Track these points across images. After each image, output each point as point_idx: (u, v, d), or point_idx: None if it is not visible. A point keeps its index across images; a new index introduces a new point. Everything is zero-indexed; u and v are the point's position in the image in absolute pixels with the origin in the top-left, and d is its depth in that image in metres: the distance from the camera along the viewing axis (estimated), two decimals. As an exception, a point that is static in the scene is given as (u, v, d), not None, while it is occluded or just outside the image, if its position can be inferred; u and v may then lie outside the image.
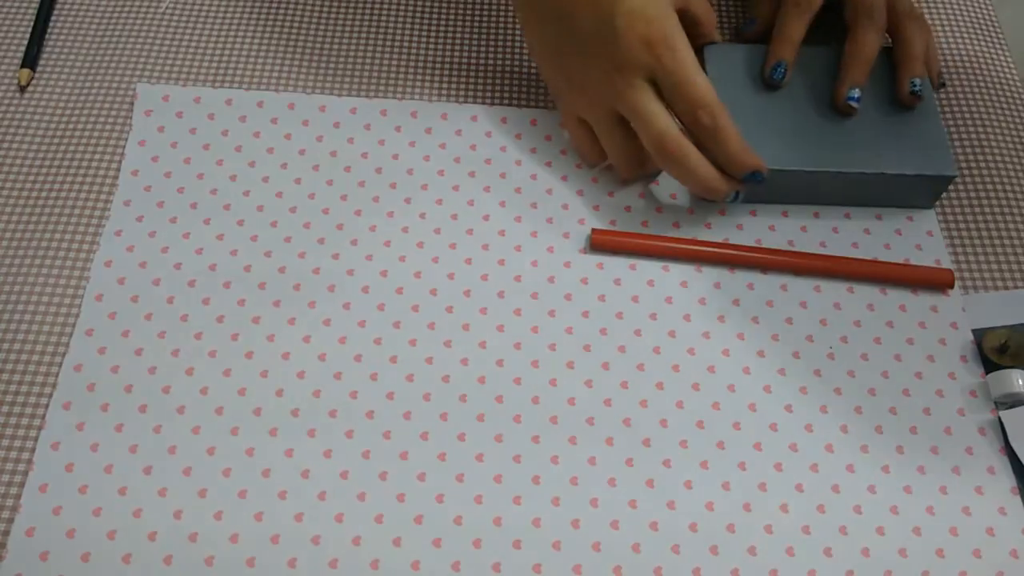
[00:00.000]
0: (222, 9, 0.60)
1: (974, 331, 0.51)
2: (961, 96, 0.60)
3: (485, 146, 0.55)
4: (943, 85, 0.57)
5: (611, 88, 0.50)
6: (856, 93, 0.52)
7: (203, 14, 0.59)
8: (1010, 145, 0.58)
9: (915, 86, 0.53)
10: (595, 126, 0.52)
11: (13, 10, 0.58)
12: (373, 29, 0.60)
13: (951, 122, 0.58)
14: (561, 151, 0.55)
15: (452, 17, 0.61)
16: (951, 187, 0.56)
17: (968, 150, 0.57)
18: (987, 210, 0.55)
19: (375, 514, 0.44)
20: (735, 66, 0.54)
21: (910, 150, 0.52)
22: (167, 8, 0.59)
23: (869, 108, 0.53)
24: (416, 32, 0.60)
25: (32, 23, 0.57)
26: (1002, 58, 0.62)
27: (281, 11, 0.60)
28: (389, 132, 0.55)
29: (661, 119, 0.49)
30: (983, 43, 0.62)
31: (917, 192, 0.53)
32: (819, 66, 0.54)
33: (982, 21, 0.64)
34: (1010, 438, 0.47)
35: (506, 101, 0.57)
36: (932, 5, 0.64)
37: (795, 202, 0.54)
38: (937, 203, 0.55)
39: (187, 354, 0.47)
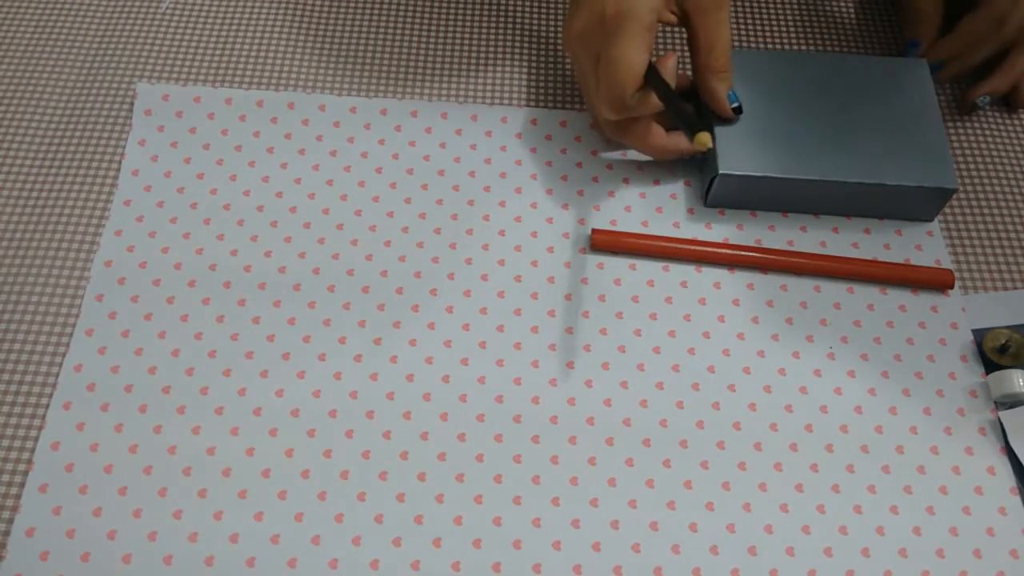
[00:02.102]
0: (222, 9, 0.60)
1: (974, 331, 0.51)
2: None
3: (485, 146, 0.55)
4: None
5: None
6: (987, 100, 0.57)
7: (203, 14, 0.59)
8: (1010, 146, 0.58)
9: (982, 101, 0.56)
10: None
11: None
12: (373, 28, 0.60)
13: (950, 123, 0.59)
14: (561, 150, 0.55)
15: (452, 17, 0.61)
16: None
17: (968, 151, 0.57)
18: (987, 211, 0.55)
19: (375, 514, 0.44)
20: (753, 73, 0.54)
21: (912, 162, 0.52)
22: (167, 8, 0.59)
23: (874, 120, 0.53)
24: (416, 31, 0.60)
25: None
26: (1002, 58, 0.62)
27: (280, 11, 0.60)
28: (389, 131, 0.55)
29: None
30: (983, 43, 0.62)
31: (918, 204, 0.53)
32: (830, 77, 0.54)
33: (982, 21, 0.64)
34: (1010, 438, 0.47)
35: (506, 101, 0.57)
36: (932, 5, 0.64)
37: (797, 211, 0.54)
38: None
39: (187, 354, 0.47)
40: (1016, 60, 0.57)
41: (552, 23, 0.61)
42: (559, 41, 0.60)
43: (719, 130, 0.52)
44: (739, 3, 0.63)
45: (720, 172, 0.51)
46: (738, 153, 0.51)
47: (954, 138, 0.58)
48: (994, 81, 0.57)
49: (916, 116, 0.53)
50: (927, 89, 0.54)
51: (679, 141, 0.53)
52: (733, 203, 0.53)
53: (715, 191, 0.52)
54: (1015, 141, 0.58)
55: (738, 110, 0.52)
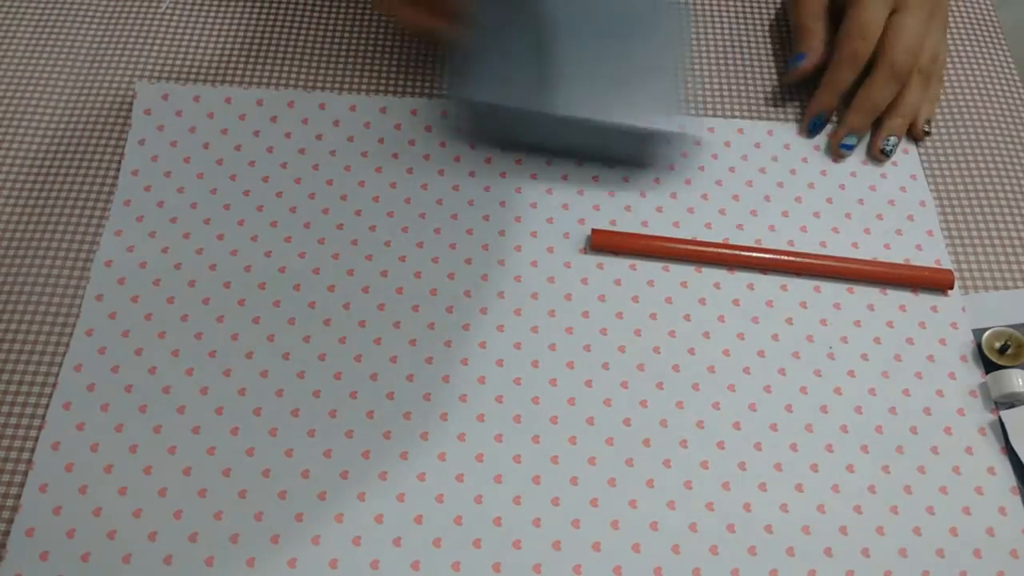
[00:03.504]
0: (221, 8, 0.60)
1: (974, 331, 0.51)
2: (961, 96, 0.60)
3: (485, 145, 0.55)
4: (927, 133, 0.57)
5: None
6: (852, 141, 0.54)
7: (202, 13, 0.59)
8: (1010, 145, 0.58)
9: (887, 144, 0.54)
10: None
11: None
12: (373, 27, 0.60)
13: (951, 122, 0.59)
14: (561, 151, 0.55)
15: (452, 16, 0.61)
16: (952, 186, 0.56)
17: (968, 150, 0.57)
18: (987, 210, 0.55)
19: (375, 514, 0.44)
20: None
21: (643, 103, 0.50)
22: (167, 8, 0.59)
23: (621, 57, 0.52)
24: (416, 31, 0.60)
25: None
26: (1002, 58, 0.62)
27: (280, 9, 0.60)
28: (388, 130, 0.55)
29: None
30: (983, 43, 0.62)
31: (645, 147, 0.52)
32: (602, 12, 0.53)
33: (982, 21, 0.64)
34: (1010, 438, 0.47)
35: (506, 100, 0.57)
36: (932, 4, 0.64)
37: (551, 151, 0.54)
38: (937, 203, 0.55)
39: (187, 354, 0.47)
40: (877, 85, 0.55)
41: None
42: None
43: (475, 53, 0.51)
44: None
45: (451, 95, 0.50)
46: (474, 78, 0.50)
47: (955, 137, 0.58)
48: (854, 119, 0.55)
49: (658, 57, 0.52)
50: (679, 28, 0.52)
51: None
52: (483, 131, 0.53)
53: (455, 117, 0.52)
54: (1015, 140, 0.58)
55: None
